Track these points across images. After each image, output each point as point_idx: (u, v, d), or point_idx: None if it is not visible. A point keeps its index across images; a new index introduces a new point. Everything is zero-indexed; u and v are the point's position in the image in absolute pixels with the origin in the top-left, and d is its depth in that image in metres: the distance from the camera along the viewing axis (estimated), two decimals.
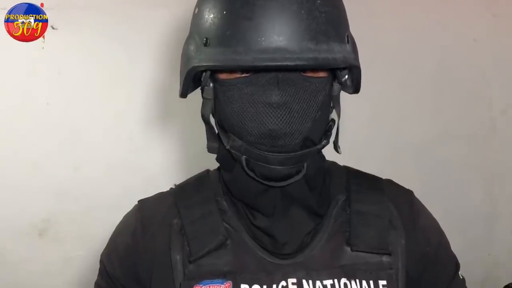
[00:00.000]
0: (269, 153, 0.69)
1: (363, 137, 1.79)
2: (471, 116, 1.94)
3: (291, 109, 0.68)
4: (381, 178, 0.86)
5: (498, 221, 2.01)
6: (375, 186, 0.82)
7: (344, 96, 0.78)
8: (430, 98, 1.90)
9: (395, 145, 1.87)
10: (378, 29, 1.76)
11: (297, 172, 0.71)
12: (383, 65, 1.76)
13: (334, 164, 0.86)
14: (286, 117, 0.68)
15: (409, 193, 0.86)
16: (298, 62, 0.65)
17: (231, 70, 0.70)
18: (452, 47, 1.90)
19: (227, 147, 0.73)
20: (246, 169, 0.71)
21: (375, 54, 1.73)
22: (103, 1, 1.60)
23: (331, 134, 0.76)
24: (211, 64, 0.68)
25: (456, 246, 0.88)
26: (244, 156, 0.71)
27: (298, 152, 0.70)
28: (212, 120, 0.77)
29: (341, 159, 0.86)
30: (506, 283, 1.94)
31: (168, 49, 1.63)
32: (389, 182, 0.86)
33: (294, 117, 0.69)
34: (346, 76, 0.75)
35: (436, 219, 0.88)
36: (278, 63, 0.65)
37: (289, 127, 0.69)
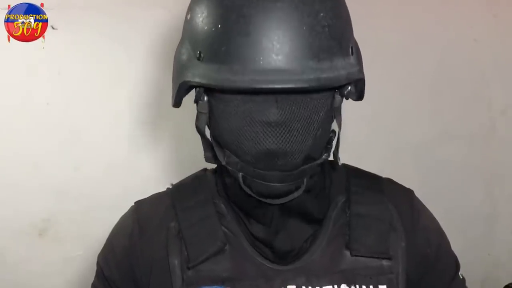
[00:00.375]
0: (267, 171, 0.66)
1: (363, 137, 1.79)
2: (471, 116, 1.94)
3: (290, 127, 0.65)
4: (381, 177, 0.84)
5: (498, 221, 2.00)
6: (375, 186, 0.81)
7: None
8: (430, 98, 1.89)
9: (395, 145, 1.87)
10: (378, 29, 1.76)
11: (297, 188, 0.68)
12: (383, 65, 1.76)
13: (333, 163, 0.84)
14: (286, 136, 0.65)
15: (410, 192, 0.85)
16: (299, 85, 0.61)
17: (227, 89, 0.66)
18: (452, 47, 1.89)
19: (223, 163, 0.70)
20: (242, 185, 0.69)
21: (375, 54, 1.73)
22: (103, 1, 1.59)
23: (331, 147, 0.73)
24: (205, 82, 0.64)
25: (456, 246, 0.88)
26: (240, 173, 0.68)
27: (299, 169, 0.67)
28: (207, 131, 0.74)
29: (341, 159, 0.85)
30: (506, 283, 1.94)
31: (168, 49, 1.61)
32: (389, 181, 0.85)
33: (294, 135, 0.65)
34: (349, 88, 0.70)
35: (436, 219, 0.87)
36: (278, 86, 0.60)
37: (289, 147, 0.65)
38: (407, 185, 0.87)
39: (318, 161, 0.70)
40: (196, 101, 0.71)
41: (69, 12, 1.55)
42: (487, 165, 1.97)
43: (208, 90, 0.69)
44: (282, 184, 0.67)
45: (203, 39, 0.65)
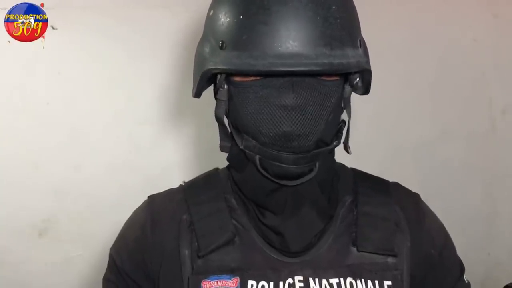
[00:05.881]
0: (283, 153, 0.70)
1: (363, 137, 1.79)
2: (471, 116, 1.94)
3: (305, 111, 0.69)
4: (387, 181, 0.86)
5: (498, 221, 2.01)
6: (381, 189, 0.83)
7: None
8: (430, 98, 1.90)
9: (395, 145, 1.87)
10: (378, 29, 1.76)
11: (309, 171, 0.72)
12: (383, 65, 1.75)
13: (341, 166, 0.87)
14: (301, 119, 0.69)
15: (416, 196, 0.87)
16: (313, 68, 0.66)
17: (247, 73, 0.70)
18: (452, 47, 1.89)
19: (241, 147, 0.74)
20: (259, 168, 0.72)
21: (375, 54, 1.72)
22: (103, 1, 1.59)
23: (342, 135, 0.77)
24: (227, 67, 0.69)
25: (456, 246, 0.88)
26: (257, 156, 0.72)
27: (311, 152, 0.71)
28: (225, 120, 0.78)
29: (342, 159, 0.86)
30: (506, 283, 1.94)
31: (168, 49, 1.63)
32: (396, 185, 0.87)
33: (308, 119, 0.70)
34: (357, 79, 0.76)
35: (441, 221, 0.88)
36: (294, 68, 0.66)
37: (303, 129, 0.69)
38: (407, 185, 0.88)
39: (329, 147, 0.74)
40: (216, 90, 0.76)
41: (69, 12, 1.55)
42: (487, 165, 1.97)
43: (227, 78, 0.73)
44: (296, 166, 0.70)
45: (226, 29, 0.71)
